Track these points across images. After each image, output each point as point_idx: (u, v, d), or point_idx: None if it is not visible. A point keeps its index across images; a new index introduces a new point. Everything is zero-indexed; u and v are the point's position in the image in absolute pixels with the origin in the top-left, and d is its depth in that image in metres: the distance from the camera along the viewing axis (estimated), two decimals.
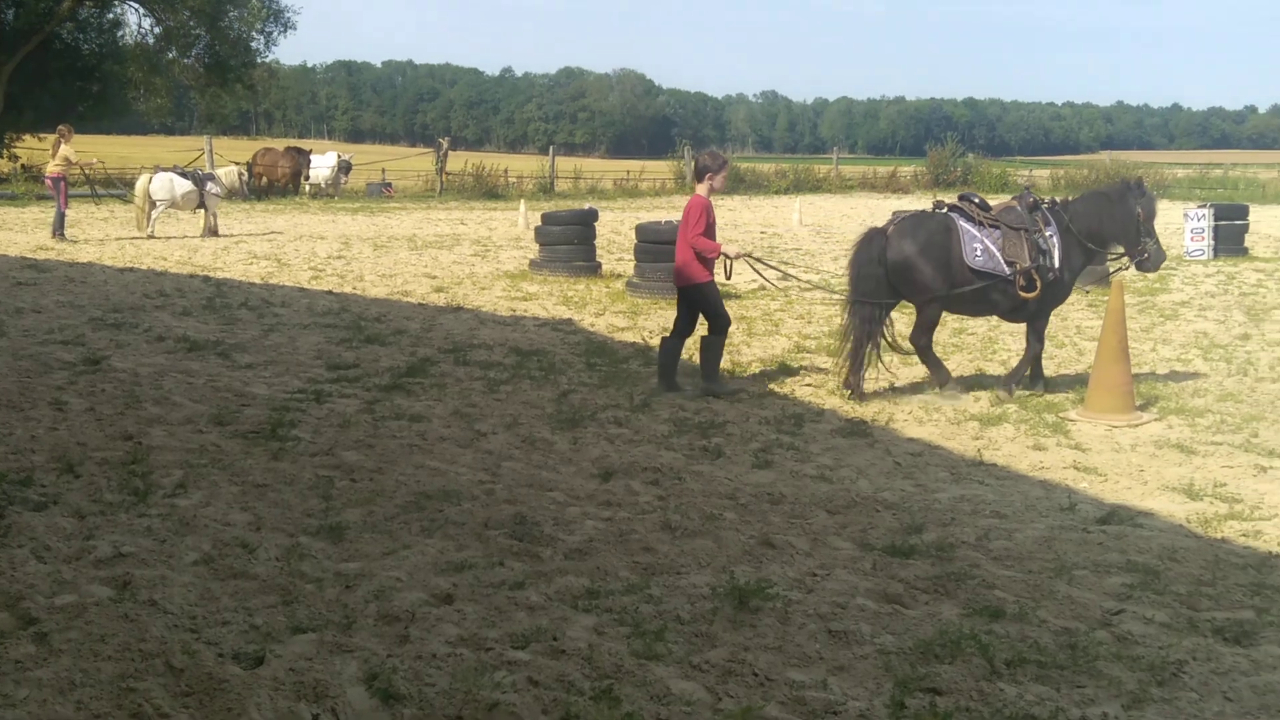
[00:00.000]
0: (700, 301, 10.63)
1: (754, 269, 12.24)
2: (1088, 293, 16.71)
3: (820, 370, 11.59)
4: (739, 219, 34.08)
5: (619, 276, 18.51)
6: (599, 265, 19.44)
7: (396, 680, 4.54)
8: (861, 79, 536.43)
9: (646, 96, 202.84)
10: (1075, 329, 14.27)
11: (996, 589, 5.83)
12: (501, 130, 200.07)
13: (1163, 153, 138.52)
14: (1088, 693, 4.68)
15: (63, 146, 24.10)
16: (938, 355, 10.87)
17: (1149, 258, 10.62)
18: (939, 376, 10.65)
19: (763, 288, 17.96)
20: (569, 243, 19.01)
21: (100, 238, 23.80)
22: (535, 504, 7.01)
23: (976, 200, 10.86)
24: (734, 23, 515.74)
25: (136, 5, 41.93)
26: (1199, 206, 24.35)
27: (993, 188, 51.27)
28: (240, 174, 28.65)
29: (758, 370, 11.55)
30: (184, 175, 25.65)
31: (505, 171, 45.76)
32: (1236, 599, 5.78)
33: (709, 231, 10.49)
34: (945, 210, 10.75)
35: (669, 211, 35.03)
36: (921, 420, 9.70)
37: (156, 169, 26.11)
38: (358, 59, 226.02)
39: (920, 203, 39.05)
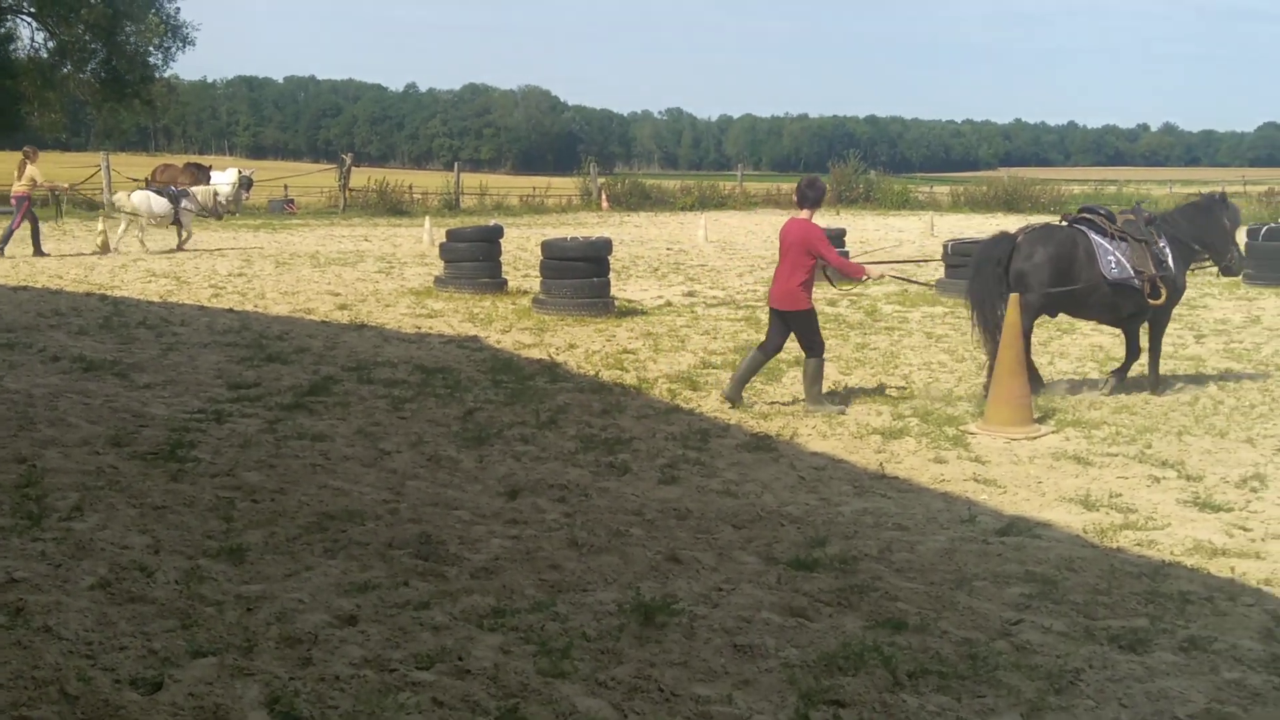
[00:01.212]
0: (803, 327, 10.84)
1: (900, 278, 14.40)
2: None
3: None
4: (645, 235, 34.18)
5: (525, 293, 18.48)
6: (505, 282, 19.38)
7: (299, 703, 4.48)
8: (765, 96, 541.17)
9: (552, 113, 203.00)
10: (975, 343, 14.48)
11: (899, 601, 5.90)
12: (406, 146, 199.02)
13: (1059, 169, 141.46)
14: (988, 702, 4.75)
15: (29, 167, 23.98)
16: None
17: (1233, 263, 12.07)
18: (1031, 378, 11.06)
19: (668, 303, 18.04)
20: (474, 259, 18.94)
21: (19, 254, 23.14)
22: (440, 523, 6.96)
23: (1103, 212, 11.76)
24: (640, 41, 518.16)
25: (29, 19, 41.10)
26: None
27: (894, 204, 52.01)
28: (214, 193, 28.41)
29: (664, 386, 11.58)
30: (160, 193, 25.93)
31: (410, 188, 45.46)
32: (1131, 607, 5.91)
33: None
34: (1071, 224, 11.64)
35: (575, 228, 35.11)
36: (825, 434, 9.79)
37: (136, 187, 26.37)
38: (259, 74, 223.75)
39: (825, 219, 39.44)
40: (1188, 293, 20.34)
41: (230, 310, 16.38)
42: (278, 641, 5.10)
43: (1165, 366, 13.03)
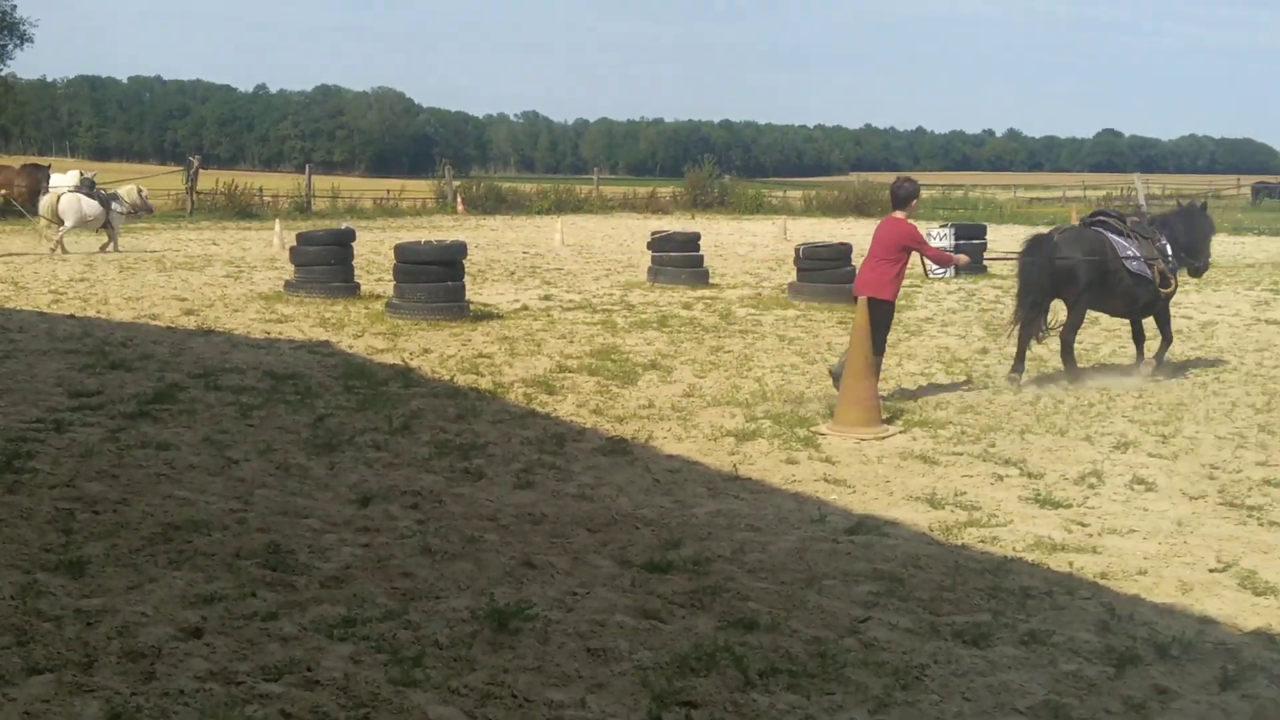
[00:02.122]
0: (883, 317, 11.17)
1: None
2: None
3: (582, 390, 11.66)
4: (501, 239, 34.05)
5: (378, 297, 18.26)
6: (357, 286, 19.14)
7: (141, 719, 4.37)
8: (622, 100, 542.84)
9: (406, 115, 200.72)
10: (826, 346, 14.74)
11: (750, 601, 5.97)
12: (256, 148, 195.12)
13: (908, 174, 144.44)
14: (836, 699, 4.83)
15: None
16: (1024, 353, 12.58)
17: (1204, 266, 13.86)
18: (1071, 374, 12.55)
19: (525, 307, 18.00)
20: (326, 263, 18.68)
21: None
22: (289, 532, 6.84)
23: (1115, 215, 13.43)
24: (495, 43, 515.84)
25: None
26: (941, 226, 25.48)
27: (748, 209, 52.61)
28: (139, 190, 28.53)
29: (520, 390, 11.55)
30: (92, 194, 26.01)
31: (260, 190, 44.62)
32: (975, 603, 6.06)
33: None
34: (1088, 225, 13.11)
35: (430, 231, 34.81)
36: (680, 437, 9.86)
37: (66, 190, 25.97)
38: (102, 74, 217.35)
39: (680, 223, 39.77)
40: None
41: (71, 316, 15.89)
42: (119, 656, 4.97)
43: (1009, 367, 13.42)
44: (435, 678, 4.89)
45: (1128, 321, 13.72)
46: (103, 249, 26.03)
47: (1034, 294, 12.44)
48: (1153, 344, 13.50)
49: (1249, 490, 8.43)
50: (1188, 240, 13.44)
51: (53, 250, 24.97)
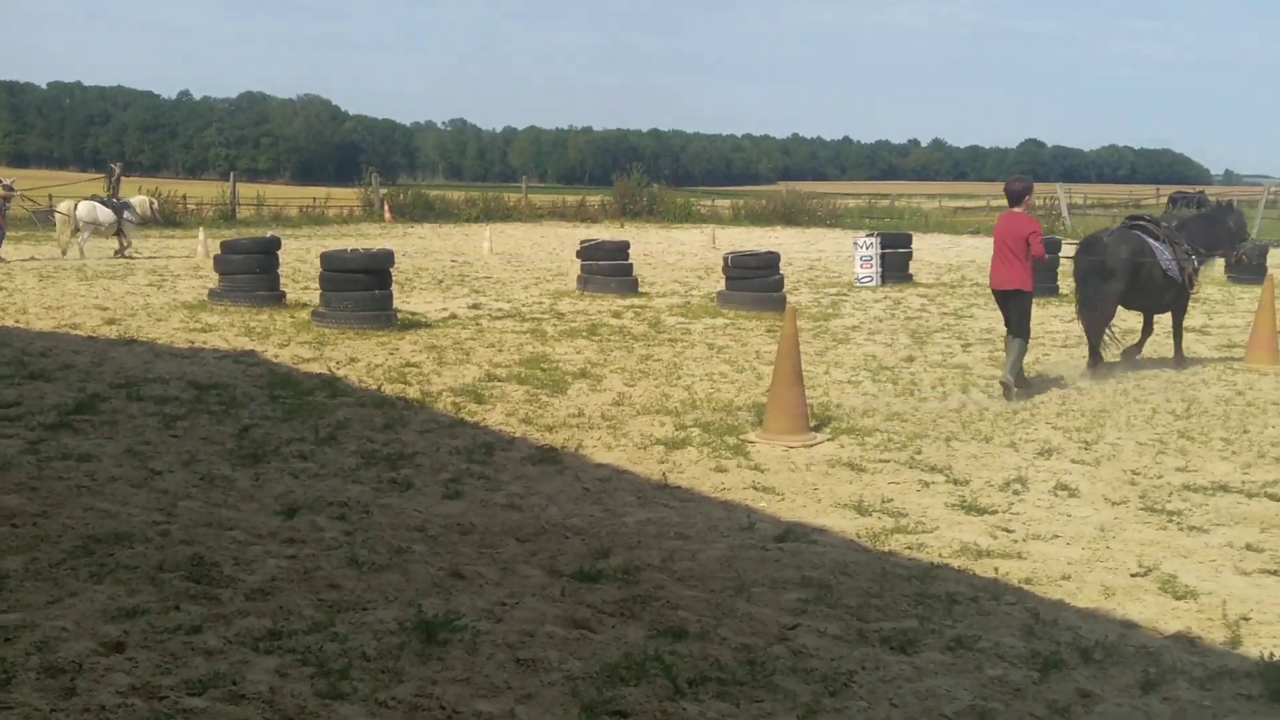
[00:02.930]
0: (1024, 305, 12.40)
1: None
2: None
3: (510, 399, 11.62)
4: (429, 247, 33.88)
5: (305, 306, 18.09)
6: (283, 295, 18.95)
7: None
8: (550, 109, 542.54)
9: (333, 122, 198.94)
10: (755, 354, 14.81)
11: (680, 609, 5.97)
12: (180, 155, 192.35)
13: (835, 183, 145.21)
14: (765, 707, 4.85)
15: None
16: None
17: (1239, 259, 15.96)
18: (1093, 360, 13.94)
19: (453, 316, 17.91)
20: (251, 272, 18.47)
21: None
22: (214, 544, 6.75)
23: (1149, 219, 14.64)
24: (422, 51, 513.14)
25: None
26: (867, 235, 25.70)
27: (677, 217, 52.75)
28: (151, 202, 29.98)
29: (449, 399, 11.48)
30: (105, 203, 27.75)
31: (184, 198, 44.10)
32: (902, 609, 6.11)
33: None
34: (1132, 228, 14.31)
35: (357, 239, 34.55)
36: (610, 446, 9.85)
37: (82, 198, 28.08)
38: (20, 79, 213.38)
39: (609, 232, 39.79)
40: (955, 303, 21.34)
41: None
42: (38, 672, 4.87)
43: (934, 374, 13.59)
44: (363, 690, 4.84)
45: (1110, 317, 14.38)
46: (116, 254, 27.28)
47: (1093, 288, 13.84)
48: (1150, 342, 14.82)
49: (1169, 496, 8.57)
50: (1207, 240, 14.63)
51: (64, 253, 26.67)
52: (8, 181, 28.17)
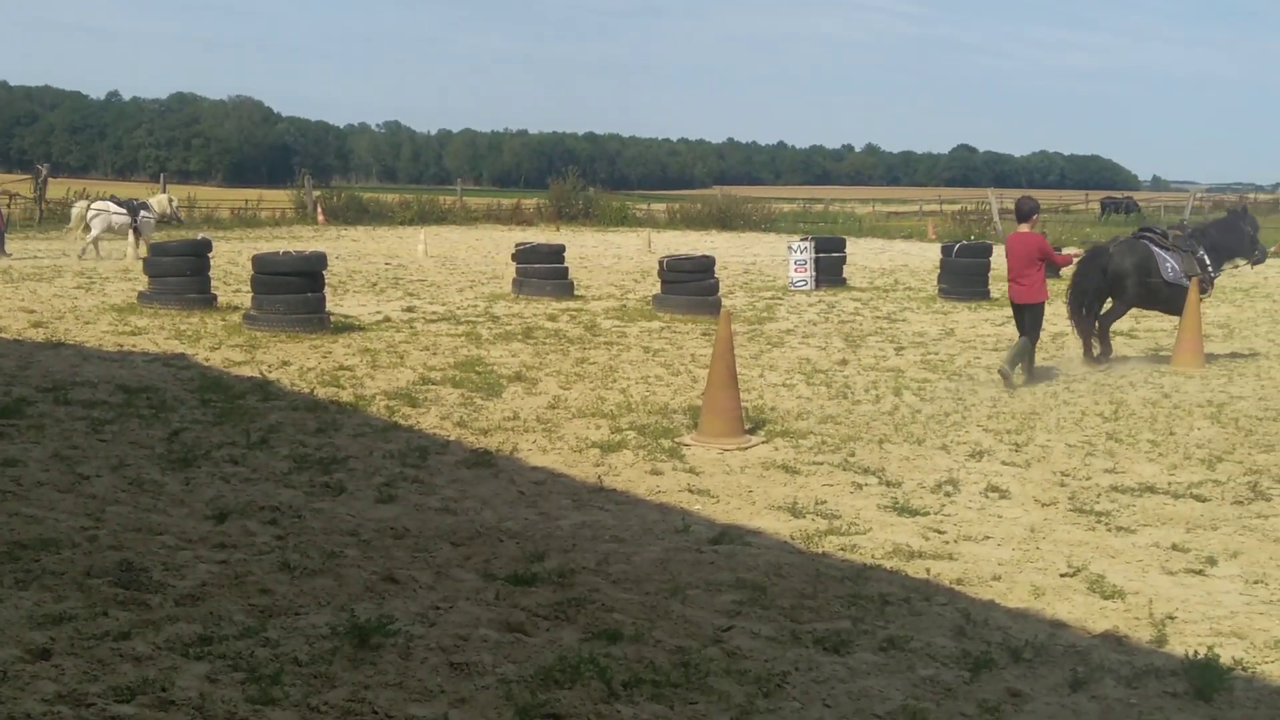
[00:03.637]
0: (1033, 316, 13.54)
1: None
2: None
3: (444, 402, 11.57)
4: (363, 250, 33.66)
5: (236, 309, 17.91)
6: (214, 298, 18.75)
7: None
8: (485, 111, 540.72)
9: (265, 124, 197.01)
10: (690, 357, 14.85)
11: (615, 612, 5.97)
12: (109, 156, 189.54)
13: (770, 188, 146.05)
14: (699, 708, 4.86)
15: None
16: None
17: (1258, 259, 15.98)
18: (1105, 350, 15.08)
19: (387, 319, 17.81)
20: (181, 274, 18.27)
21: None
22: (143, 549, 6.66)
23: (1159, 231, 15.89)
24: (355, 53, 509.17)
25: None
26: (801, 240, 25.84)
27: (613, 221, 52.78)
28: (170, 200, 30.81)
29: (383, 403, 11.41)
30: (119, 203, 28.43)
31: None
32: (835, 610, 6.15)
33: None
34: (1139, 238, 15.54)
35: (289, 242, 34.27)
36: (545, 449, 9.84)
37: (95, 198, 29.65)
38: None
39: (544, 235, 39.73)
40: (888, 306, 21.52)
41: None
42: None
43: (868, 378, 13.71)
44: (294, 696, 4.79)
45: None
46: (134, 258, 26.91)
47: (1088, 295, 15.04)
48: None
49: (1098, 497, 8.69)
50: (1227, 244, 15.75)
51: (81, 255, 27.20)
52: None
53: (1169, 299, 15.21)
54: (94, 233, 27.42)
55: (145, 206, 28.58)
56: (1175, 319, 15.65)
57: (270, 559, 6.62)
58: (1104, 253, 15.32)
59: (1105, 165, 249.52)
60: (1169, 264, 15.06)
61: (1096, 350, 15.13)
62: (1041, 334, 14.07)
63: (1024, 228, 13.61)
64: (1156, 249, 15.17)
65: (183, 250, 18.77)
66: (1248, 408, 12.28)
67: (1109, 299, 15.27)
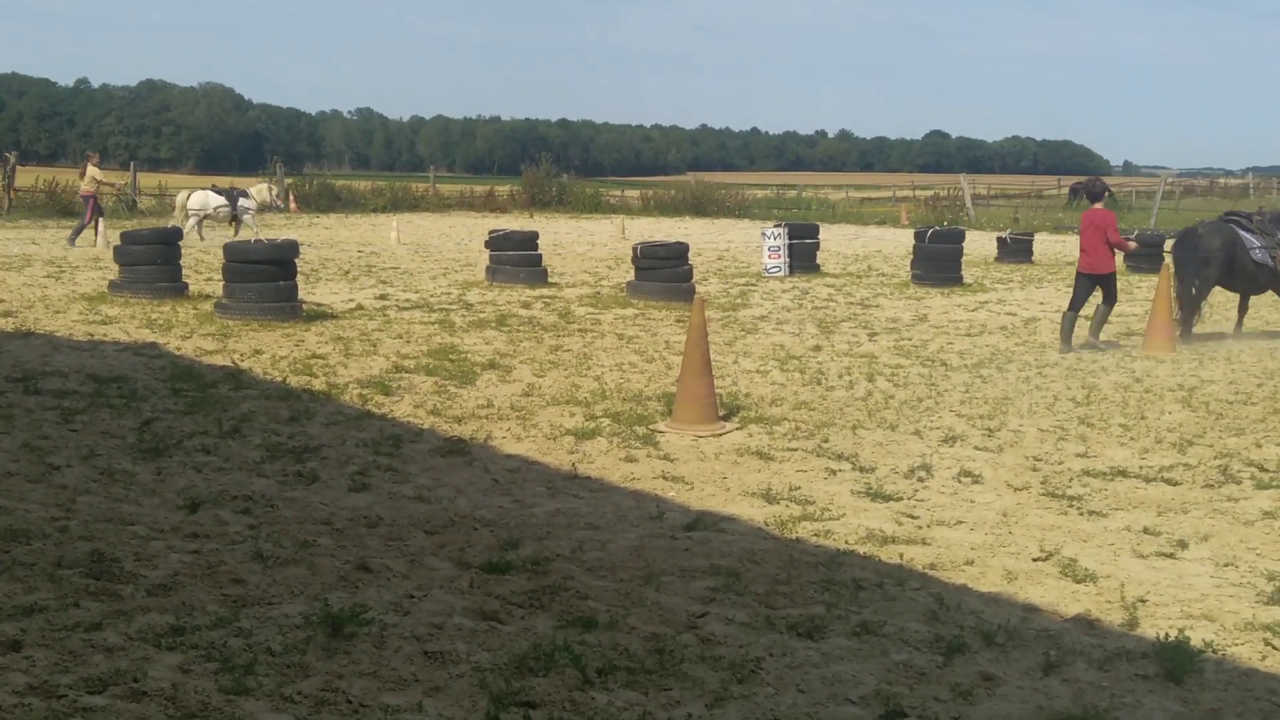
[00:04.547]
0: (1107, 284, 15.11)
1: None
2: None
3: (418, 390, 11.53)
4: (335, 237, 33.52)
5: (208, 298, 17.81)
6: (186, 286, 18.64)
7: None
8: (458, 98, 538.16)
9: (236, 111, 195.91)
10: (664, 344, 14.85)
11: (589, 599, 5.98)
12: (78, 144, 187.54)
13: (743, 174, 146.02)
14: (674, 695, 4.86)
15: (90, 168, 28.08)
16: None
17: None
18: (1186, 326, 16.02)
19: (360, 307, 17.75)
20: (152, 263, 18.14)
21: None
22: (114, 539, 6.62)
23: (1244, 215, 17.09)
24: (327, 39, 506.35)
25: None
26: (775, 226, 25.86)
27: (586, 207, 52.71)
28: (270, 188, 32.24)
29: (356, 391, 11.37)
30: (219, 192, 29.75)
31: None
32: (809, 595, 6.17)
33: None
34: (1226, 222, 16.67)
35: (261, 230, 34.04)
36: (519, 437, 9.82)
37: (197, 188, 30.74)
38: None
39: (518, 222, 39.65)
40: (861, 292, 21.56)
41: None
42: None
43: (841, 363, 13.75)
44: (267, 685, 4.78)
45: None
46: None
47: (1187, 273, 16.17)
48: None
49: (1070, 481, 8.73)
50: None
51: (191, 239, 27.34)
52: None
53: (1254, 278, 16.42)
54: (192, 221, 28.48)
55: (245, 195, 29.73)
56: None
57: (243, 548, 6.59)
58: (1194, 234, 16.51)
59: (1078, 150, 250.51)
60: (1255, 245, 16.18)
61: (1195, 322, 16.38)
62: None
63: (1097, 206, 15.26)
64: (1242, 231, 16.30)
65: (154, 238, 18.63)
66: (1218, 391, 12.37)
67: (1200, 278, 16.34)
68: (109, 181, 31.78)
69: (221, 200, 29.17)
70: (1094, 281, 15.14)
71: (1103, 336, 15.56)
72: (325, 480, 8.24)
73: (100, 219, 27.98)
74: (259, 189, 31.16)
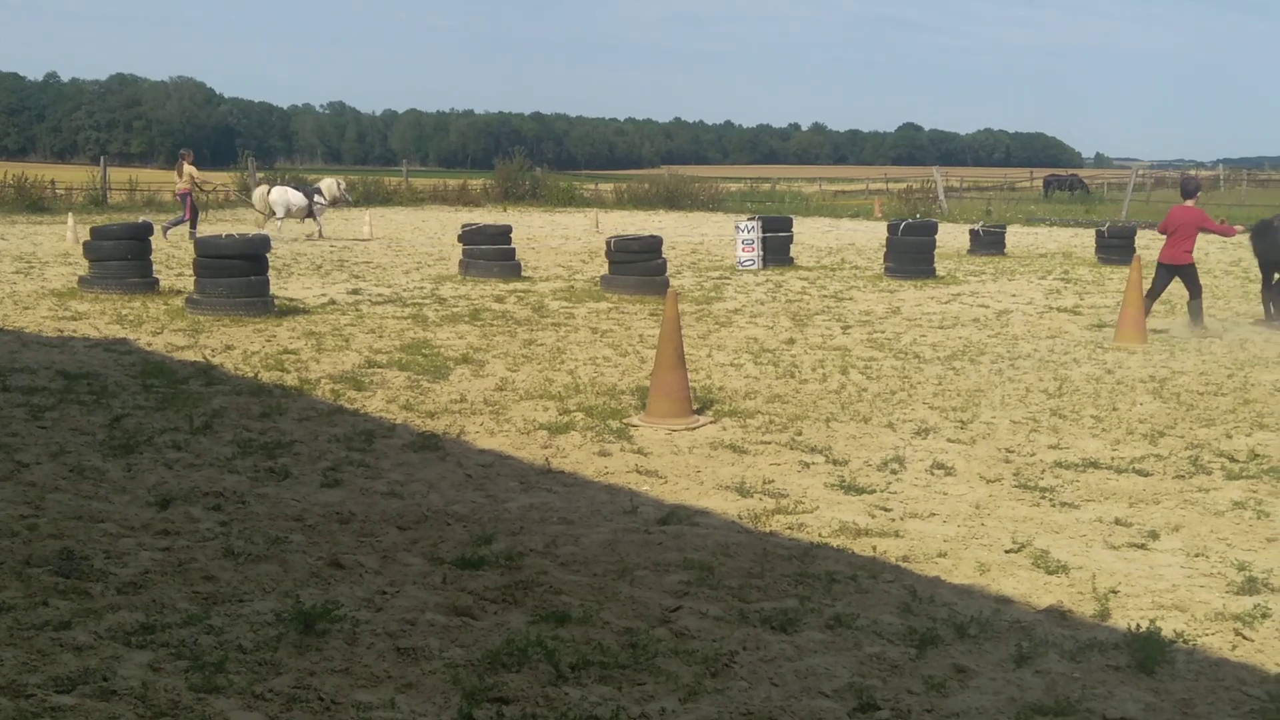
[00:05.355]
0: (1189, 275, 16.06)
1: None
2: None
3: (392, 385, 11.49)
4: (307, 231, 33.33)
5: (179, 293, 17.72)
6: (156, 281, 18.52)
7: None
8: (431, 92, 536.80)
9: (208, 105, 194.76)
10: (638, 338, 14.84)
11: (563, 594, 5.96)
12: (48, 139, 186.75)
13: (717, 167, 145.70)
14: (647, 689, 4.86)
15: (186, 167, 28.86)
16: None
17: None
18: (1273, 314, 16.92)
19: (332, 301, 17.68)
20: (123, 258, 18.01)
21: None
22: (84, 537, 6.58)
23: None
24: (299, 33, 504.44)
25: None
26: (749, 219, 25.87)
27: (560, 201, 52.61)
28: (338, 184, 31.92)
29: (328, 386, 11.32)
30: (297, 189, 30.59)
31: (52, 183, 42.90)
32: (782, 589, 6.17)
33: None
34: None
35: (233, 224, 33.88)
36: (493, 432, 9.80)
37: (274, 184, 31.98)
38: None
39: (491, 216, 39.55)
40: (835, 285, 21.57)
41: None
42: None
43: (815, 356, 13.77)
44: (239, 683, 4.75)
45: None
46: (308, 237, 29.64)
47: (1269, 264, 17.05)
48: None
49: (1042, 473, 8.76)
50: None
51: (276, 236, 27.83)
52: None
53: None
54: (279, 214, 29.36)
55: (317, 191, 30.33)
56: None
57: (214, 545, 6.56)
58: (1272, 226, 17.23)
59: (1050, 143, 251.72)
60: None
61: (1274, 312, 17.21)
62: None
63: (1189, 203, 16.17)
64: None
65: (124, 234, 18.49)
66: (1189, 383, 12.43)
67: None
68: (206, 180, 32.59)
69: (301, 197, 29.78)
70: (1173, 272, 16.08)
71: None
72: (297, 476, 8.20)
73: (196, 214, 29.17)
74: (328, 184, 31.48)
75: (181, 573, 6.07)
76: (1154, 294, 16.28)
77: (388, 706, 4.62)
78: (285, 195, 29.83)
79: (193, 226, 28.56)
